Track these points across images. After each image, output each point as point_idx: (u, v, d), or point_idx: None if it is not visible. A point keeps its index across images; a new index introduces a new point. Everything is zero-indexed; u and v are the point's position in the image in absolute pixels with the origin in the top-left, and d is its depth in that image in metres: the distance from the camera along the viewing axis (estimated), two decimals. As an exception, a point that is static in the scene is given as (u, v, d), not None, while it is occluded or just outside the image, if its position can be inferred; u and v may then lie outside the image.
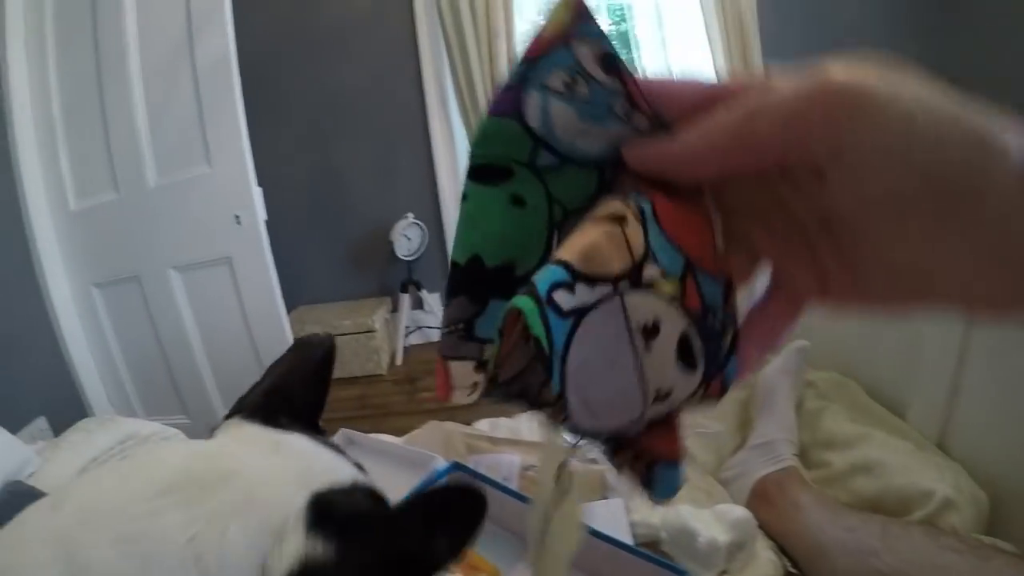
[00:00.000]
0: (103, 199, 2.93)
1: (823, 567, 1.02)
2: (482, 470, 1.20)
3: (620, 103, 0.34)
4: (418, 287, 3.81)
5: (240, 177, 2.75)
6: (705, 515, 1.07)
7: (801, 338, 1.51)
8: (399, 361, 3.80)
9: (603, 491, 1.20)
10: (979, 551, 0.89)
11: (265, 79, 3.51)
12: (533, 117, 0.35)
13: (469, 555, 0.94)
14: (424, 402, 3.20)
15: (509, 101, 0.34)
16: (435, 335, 4.01)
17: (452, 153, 3.95)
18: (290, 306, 3.64)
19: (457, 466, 1.11)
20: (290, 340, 2.81)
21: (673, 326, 0.33)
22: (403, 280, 3.79)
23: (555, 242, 0.37)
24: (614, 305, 0.32)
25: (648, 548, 1.04)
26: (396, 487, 0.79)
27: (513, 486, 1.15)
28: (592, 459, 1.23)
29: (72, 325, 3.03)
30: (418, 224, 3.78)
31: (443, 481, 1.02)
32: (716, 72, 3.76)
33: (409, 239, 3.75)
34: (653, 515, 1.10)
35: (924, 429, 1.29)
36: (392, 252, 3.71)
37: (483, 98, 3.64)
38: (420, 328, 4.04)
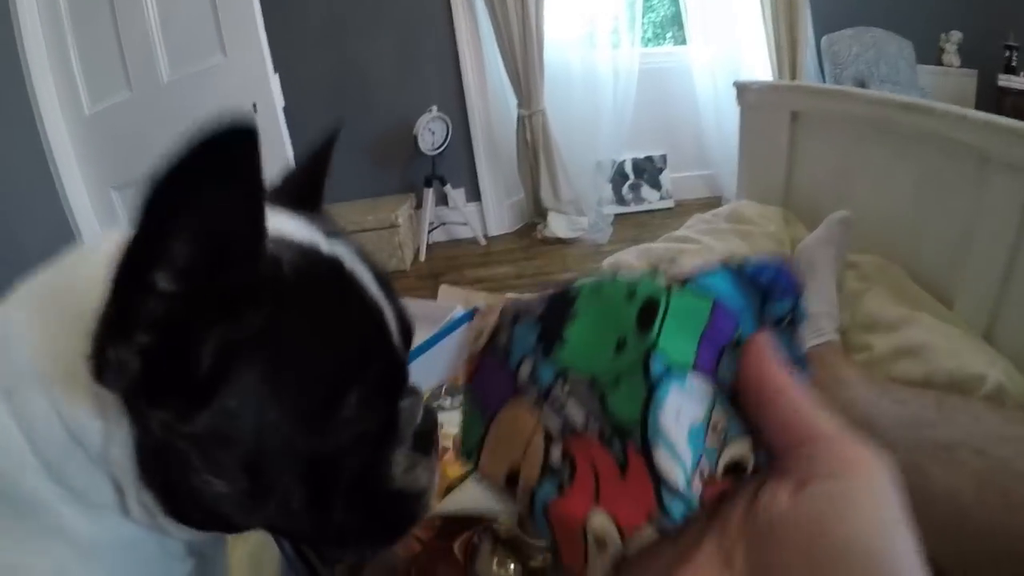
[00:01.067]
0: (117, 99, 2.92)
1: (873, 442, 0.92)
2: None
3: None
4: (442, 182, 3.76)
5: (256, 64, 2.71)
6: None
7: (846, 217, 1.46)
8: (423, 257, 3.77)
9: None
10: None
11: (281, -37, 3.44)
12: None
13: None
14: (449, 296, 3.19)
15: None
16: (459, 231, 4.01)
17: (477, 43, 3.87)
18: (313, 205, 3.66)
19: (475, 311, 1.11)
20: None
21: None
22: (427, 175, 3.74)
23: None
24: None
25: None
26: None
27: None
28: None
29: (93, 231, 3.03)
30: (442, 118, 3.70)
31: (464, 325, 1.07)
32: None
33: (433, 133, 3.68)
34: None
35: (972, 320, 1.23)
36: (416, 147, 3.65)
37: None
38: (444, 224, 4.00)
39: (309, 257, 0.44)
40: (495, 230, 4.11)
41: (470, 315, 1.07)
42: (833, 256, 1.38)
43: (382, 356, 0.48)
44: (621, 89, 4.03)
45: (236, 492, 0.42)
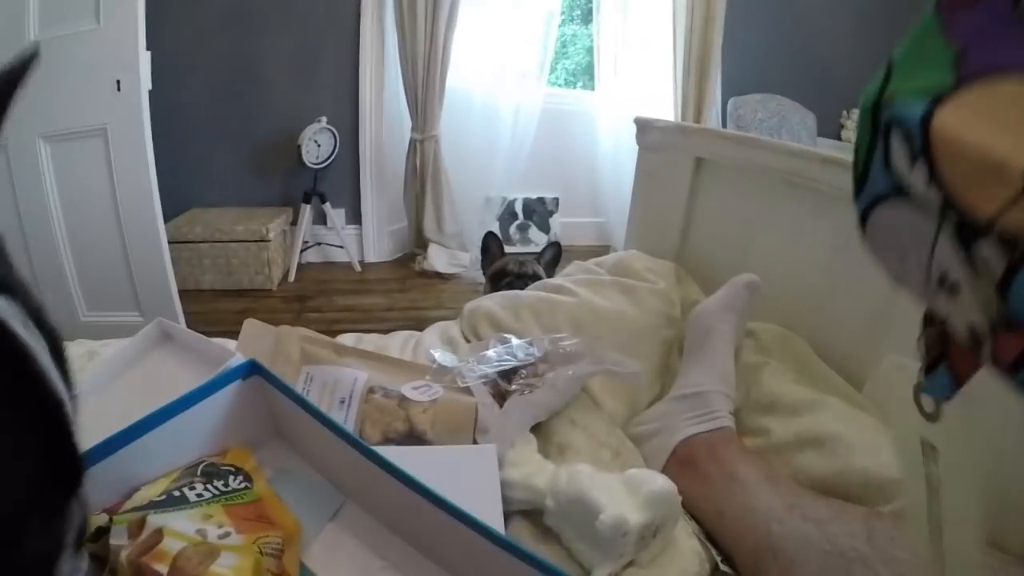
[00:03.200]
0: (-28, 48, 2.78)
1: (772, 568, 0.78)
2: (316, 386, 1.04)
3: None
4: (322, 199, 3.73)
5: (128, 37, 2.63)
6: (612, 483, 0.83)
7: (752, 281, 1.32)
8: (292, 278, 3.72)
9: (473, 431, 1.00)
10: (992, 561, 0.71)
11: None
12: None
13: (267, 495, 0.79)
14: (310, 324, 3.17)
15: None
16: (334, 253, 3.97)
17: (381, 56, 3.85)
18: (182, 207, 3.57)
19: (255, 367, 0.88)
20: (162, 231, 2.74)
21: None
22: (307, 190, 3.70)
23: None
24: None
25: (525, 520, 0.87)
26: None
27: (352, 410, 1.00)
28: (465, 388, 1.07)
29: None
30: (331, 130, 3.67)
31: (235, 385, 0.86)
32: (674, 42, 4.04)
33: (319, 145, 3.65)
34: (538, 474, 0.87)
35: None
36: (299, 158, 3.59)
37: (422, 6, 3.58)
38: (319, 244, 3.96)
39: None
40: (372, 256, 4.09)
41: (244, 369, 0.86)
42: (733, 325, 1.26)
43: (57, 457, 0.38)
44: (521, 125, 4.07)
45: None
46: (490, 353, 1.17)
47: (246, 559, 0.67)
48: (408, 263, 4.07)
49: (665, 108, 4.12)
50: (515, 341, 1.21)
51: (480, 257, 2.80)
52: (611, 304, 1.45)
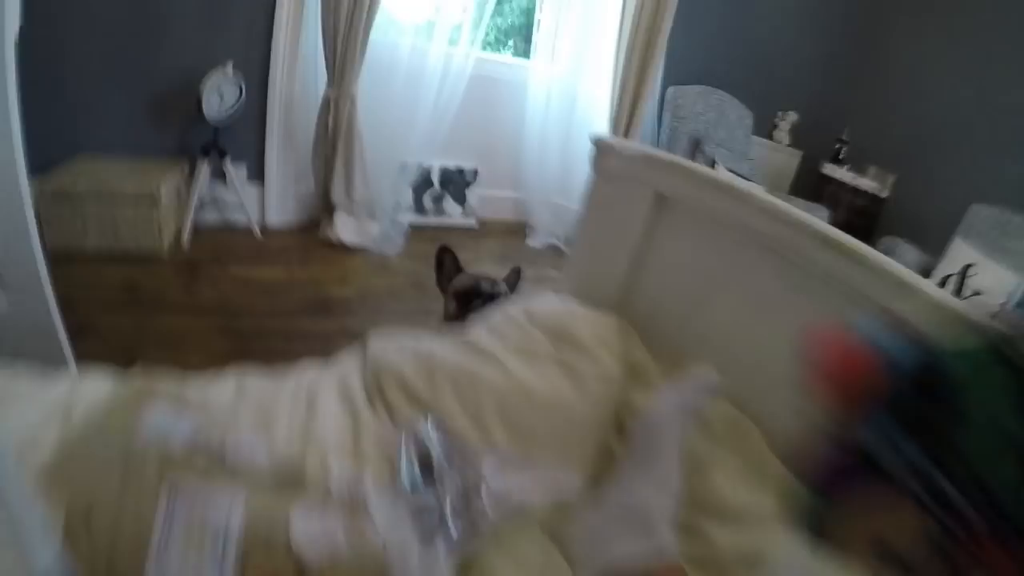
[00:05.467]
0: None
1: None
2: (180, 517, 0.86)
3: None
4: (222, 154, 3.54)
5: None
6: None
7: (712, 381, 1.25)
8: (185, 243, 3.55)
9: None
10: None
11: None
12: None
13: None
14: (203, 301, 3.08)
15: None
16: (233, 216, 3.82)
17: (298, 7, 3.61)
18: (68, 153, 3.32)
19: None
20: (25, 189, 2.52)
21: None
22: (205, 143, 3.50)
23: None
24: None
25: None
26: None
27: (227, 564, 0.83)
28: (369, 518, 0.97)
29: None
30: (236, 80, 3.45)
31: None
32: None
33: (222, 96, 3.43)
34: None
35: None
36: (198, 108, 3.34)
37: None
38: (216, 202, 3.79)
39: None
40: (274, 220, 3.94)
41: None
42: (683, 429, 1.17)
43: None
44: (447, 89, 3.93)
45: None
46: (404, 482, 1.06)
47: None
48: (312, 230, 3.96)
49: (602, 89, 4.06)
50: (436, 462, 1.10)
51: (435, 271, 2.74)
52: (549, 387, 1.32)
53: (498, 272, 2.33)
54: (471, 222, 4.29)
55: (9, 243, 2.54)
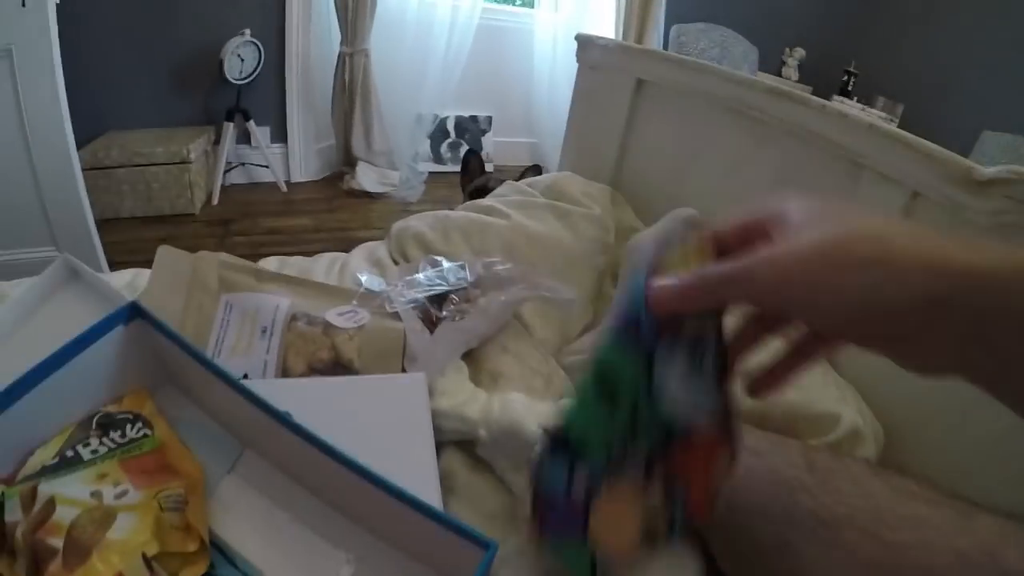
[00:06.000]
0: None
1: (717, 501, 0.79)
2: (235, 316, 1.01)
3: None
4: (246, 117, 3.73)
5: None
6: (545, 412, 0.82)
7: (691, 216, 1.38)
8: (215, 200, 3.76)
9: (402, 359, 1.00)
10: (956, 504, 0.72)
11: None
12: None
13: (168, 440, 0.77)
14: (237, 252, 3.25)
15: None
16: (259, 174, 4.01)
17: (309, -33, 3.75)
18: (98, 131, 3.51)
19: (137, 310, 0.80)
20: (75, 158, 2.73)
21: None
22: (230, 107, 3.69)
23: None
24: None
25: (458, 450, 0.87)
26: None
27: (275, 339, 0.97)
28: (393, 313, 1.07)
29: None
30: (255, 43, 3.63)
31: (119, 330, 0.79)
32: None
33: (242, 60, 3.61)
34: (470, 403, 0.88)
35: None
36: (221, 73, 3.55)
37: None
38: (243, 164, 3.98)
39: None
40: (299, 176, 4.14)
41: (125, 314, 0.79)
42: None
43: None
44: (456, 41, 4.07)
45: None
46: (420, 277, 1.18)
47: (145, 518, 0.65)
48: (336, 182, 4.14)
49: (607, 30, 4.16)
50: (446, 264, 1.23)
51: (460, 174, 2.90)
52: (545, 228, 1.48)
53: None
54: (488, 168, 4.41)
55: (62, 209, 2.74)
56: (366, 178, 4.00)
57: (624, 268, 1.36)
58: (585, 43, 1.91)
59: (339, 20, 3.78)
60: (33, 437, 0.71)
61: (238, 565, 0.69)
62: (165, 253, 1.13)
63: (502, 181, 2.49)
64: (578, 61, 1.95)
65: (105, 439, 0.73)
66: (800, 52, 4.62)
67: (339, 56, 3.85)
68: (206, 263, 1.12)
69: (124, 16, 3.49)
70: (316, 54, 3.95)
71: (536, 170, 2.68)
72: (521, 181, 1.76)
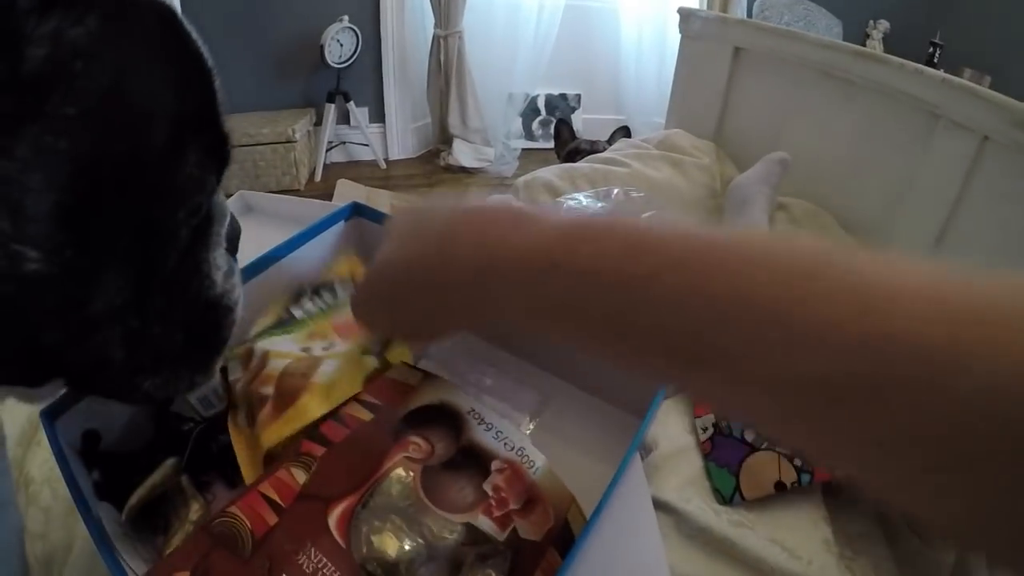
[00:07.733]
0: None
1: None
2: None
3: None
4: (346, 99, 3.91)
5: None
6: None
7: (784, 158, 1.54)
8: (319, 177, 3.92)
9: None
10: None
11: None
12: None
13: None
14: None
15: None
16: (359, 152, 4.19)
17: (402, -44, 3.93)
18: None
19: (358, 208, 0.91)
20: None
21: None
22: (330, 90, 3.88)
23: None
24: None
25: None
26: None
27: None
28: None
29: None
30: (353, 28, 3.81)
31: (338, 227, 0.89)
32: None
33: (341, 44, 3.80)
34: None
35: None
36: (321, 58, 3.75)
37: None
38: (344, 143, 4.18)
39: None
40: (397, 154, 4.32)
41: (348, 211, 0.90)
42: (767, 195, 1.48)
43: (215, 122, 0.47)
44: (544, 22, 4.20)
45: (52, 266, 0.36)
46: (569, 203, 1.30)
47: (347, 362, 0.70)
48: (432, 159, 4.31)
49: (691, 6, 4.23)
50: (583, 199, 1.36)
51: (554, 141, 3.09)
52: (661, 175, 1.65)
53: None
54: (578, 140, 4.54)
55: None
56: (463, 154, 4.15)
57: (728, 209, 1.54)
58: (687, 16, 2.10)
59: (432, 4, 3.94)
60: (265, 308, 0.77)
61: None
62: (343, 184, 1.33)
63: (592, 142, 2.72)
64: (680, 32, 2.14)
65: (316, 299, 0.78)
66: (884, 24, 4.58)
67: (433, 38, 4.01)
68: (378, 196, 1.28)
69: (231, 10, 3.73)
70: (411, 37, 4.13)
71: (625, 131, 2.88)
72: (636, 138, 2.00)
